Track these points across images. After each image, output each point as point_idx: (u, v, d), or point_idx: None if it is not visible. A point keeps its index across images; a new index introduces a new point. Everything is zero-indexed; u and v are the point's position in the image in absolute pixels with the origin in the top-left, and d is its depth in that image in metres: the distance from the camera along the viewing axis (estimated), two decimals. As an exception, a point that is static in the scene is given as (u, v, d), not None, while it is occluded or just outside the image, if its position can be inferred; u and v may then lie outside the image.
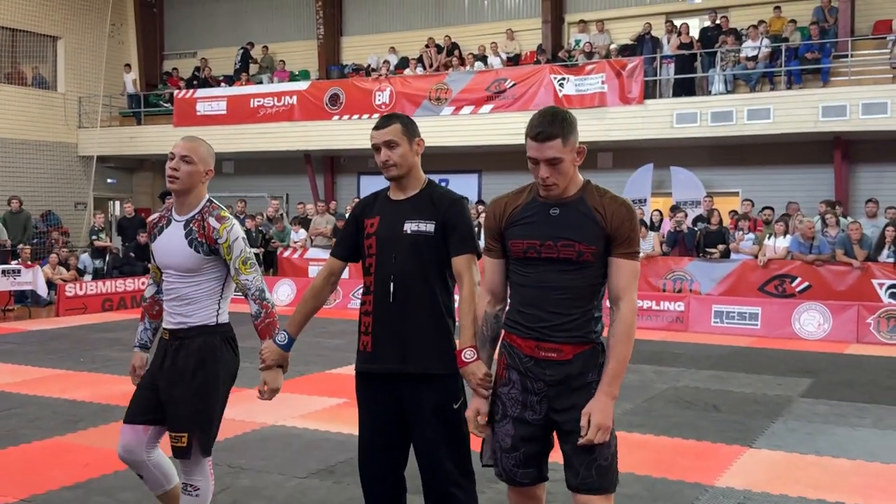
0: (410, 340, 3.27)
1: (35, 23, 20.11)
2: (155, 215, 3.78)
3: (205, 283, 3.58)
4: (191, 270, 3.55)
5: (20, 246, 14.97)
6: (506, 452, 3.00)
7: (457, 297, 3.32)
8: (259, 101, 18.77)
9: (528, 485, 3.03)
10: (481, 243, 3.20)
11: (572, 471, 2.91)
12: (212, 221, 3.53)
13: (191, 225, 3.55)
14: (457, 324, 3.30)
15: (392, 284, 3.28)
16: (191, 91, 19.91)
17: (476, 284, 3.26)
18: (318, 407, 7.16)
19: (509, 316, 3.03)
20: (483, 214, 15.65)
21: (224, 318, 3.63)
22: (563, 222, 2.89)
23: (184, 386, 3.51)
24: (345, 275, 3.53)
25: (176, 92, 20.15)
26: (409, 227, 3.30)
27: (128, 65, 21.83)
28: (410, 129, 3.36)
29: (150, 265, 3.92)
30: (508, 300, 3.10)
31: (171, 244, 3.58)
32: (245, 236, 3.64)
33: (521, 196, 3.02)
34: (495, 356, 3.13)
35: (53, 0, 20.38)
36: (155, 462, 3.66)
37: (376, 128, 3.36)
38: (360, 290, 3.49)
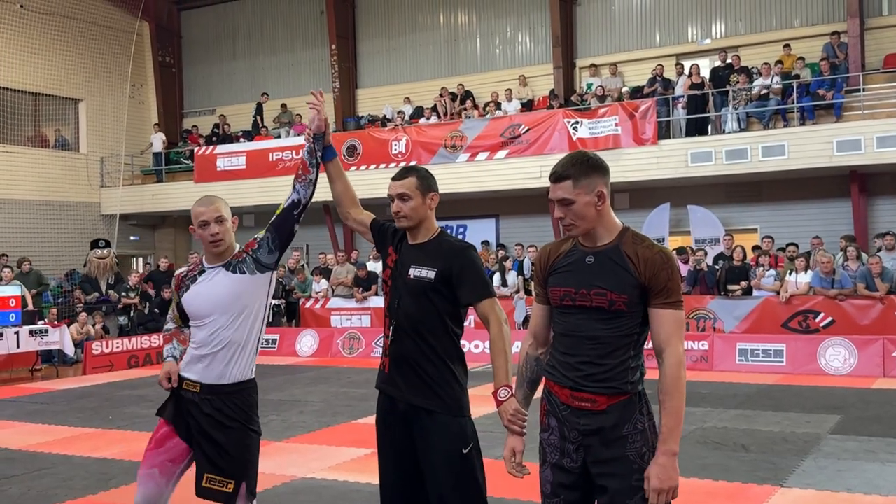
0: (414, 381, 3.41)
1: (57, 86, 20.61)
2: (183, 269, 3.91)
3: (247, 326, 3.69)
4: (234, 308, 3.66)
5: (51, 310, 15.16)
6: (547, 498, 2.98)
7: (466, 341, 3.40)
8: (277, 155, 19.07)
9: None
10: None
11: None
12: (247, 243, 3.77)
13: (230, 261, 3.73)
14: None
15: (392, 329, 3.47)
16: (210, 147, 20.26)
17: (503, 323, 3.34)
18: (346, 458, 7.18)
19: (549, 362, 3.03)
20: (496, 257, 15.79)
21: (254, 371, 3.80)
22: (596, 271, 2.88)
23: (230, 432, 3.65)
24: (367, 323, 3.71)
25: (196, 149, 20.51)
26: (413, 272, 3.46)
27: (157, 124, 22.28)
28: (425, 184, 3.51)
29: (172, 305, 4.00)
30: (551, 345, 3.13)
31: (212, 288, 3.70)
32: None
33: (565, 244, 3.04)
34: (535, 397, 3.14)
35: (75, 64, 20.88)
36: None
37: (394, 178, 3.54)
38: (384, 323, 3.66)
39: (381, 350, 3.70)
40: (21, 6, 19.69)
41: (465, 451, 3.35)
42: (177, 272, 3.94)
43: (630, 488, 2.81)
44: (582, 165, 2.89)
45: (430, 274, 3.41)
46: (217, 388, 3.69)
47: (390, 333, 3.47)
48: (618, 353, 2.86)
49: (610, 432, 2.86)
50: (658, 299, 2.84)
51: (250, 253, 3.72)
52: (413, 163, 17.29)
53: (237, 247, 3.77)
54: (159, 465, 3.71)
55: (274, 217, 3.78)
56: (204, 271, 3.77)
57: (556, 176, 2.90)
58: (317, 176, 3.77)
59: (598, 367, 2.86)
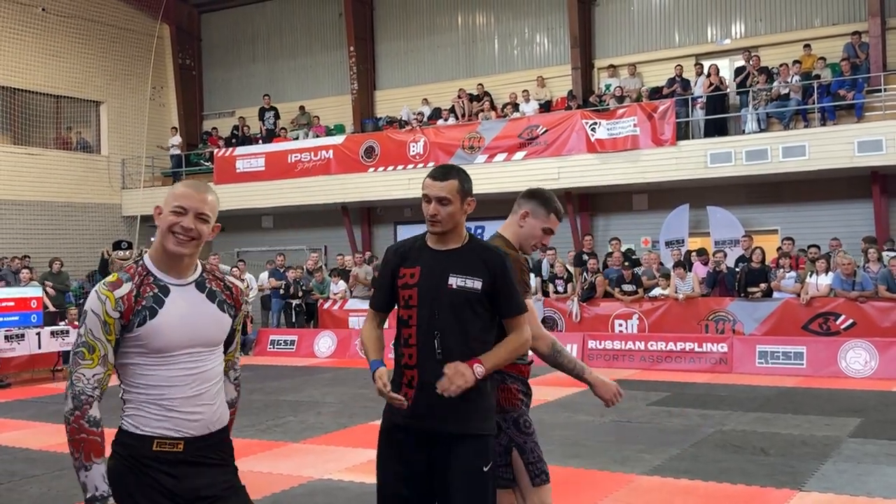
0: (453, 399, 3.08)
1: (78, 89, 20.80)
2: (126, 286, 2.63)
3: (221, 357, 2.87)
4: (214, 342, 2.78)
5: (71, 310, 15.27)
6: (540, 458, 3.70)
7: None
8: (296, 157, 19.15)
9: None
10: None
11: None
12: (233, 281, 2.89)
13: (207, 286, 2.78)
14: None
15: (437, 341, 3.12)
16: (230, 149, 20.38)
17: (528, 340, 3.28)
18: (362, 459, 7.17)
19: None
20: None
21: None
22: None
23: (241, 496, 2.81)
24: (385, 324, 3.52)
25: (216, 150, 20.65)
26: (455, 281, 3.14)
27: (174, 127, 22.44)
28: (465, 188, 3.20)
29: (94, 358, 2.65)
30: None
31: (190, 315, 2.69)
32: None
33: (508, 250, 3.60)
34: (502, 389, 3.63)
35: (96, 66, 21.06)
36: None
37: (434, 177, 3.17)
38: (395, 341, 3.30)
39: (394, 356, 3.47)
40: (43, 10, 19.89)
41: (485, 469, 3.16)
42: (118, 291, 2.61)
43: None
44: None
45: (476, 284, 3.13)
46: (206, 439, 2.71)
47: (435, 350, 3.11)
48: None
49: None
50: None
51: (236, 305, 2.86)
52: (431, 164, 17.29)
53: (199, 265, 2.82)
54: None
55: (238, 333, 2.93)
56: (167, 289, 2.68)
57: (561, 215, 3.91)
58: None
59: None
